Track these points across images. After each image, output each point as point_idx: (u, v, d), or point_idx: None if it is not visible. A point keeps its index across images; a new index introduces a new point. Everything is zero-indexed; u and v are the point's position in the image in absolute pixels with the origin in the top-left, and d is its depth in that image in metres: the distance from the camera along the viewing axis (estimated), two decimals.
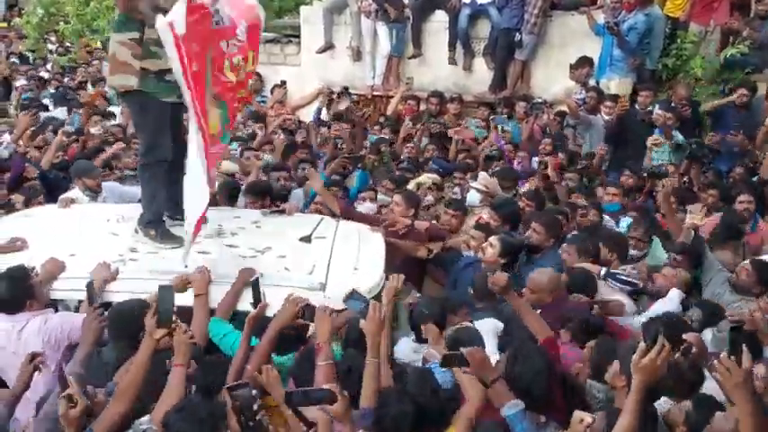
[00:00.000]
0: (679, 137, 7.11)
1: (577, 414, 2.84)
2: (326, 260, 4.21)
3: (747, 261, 4.74)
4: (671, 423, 3.10)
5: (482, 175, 6.46)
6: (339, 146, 7.83)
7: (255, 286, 3.78)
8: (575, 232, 5.44)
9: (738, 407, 2.60)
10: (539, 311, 3.80)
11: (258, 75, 10.31)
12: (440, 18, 9.34)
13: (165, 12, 3.64)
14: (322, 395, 2.81)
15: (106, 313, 3.51)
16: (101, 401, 3.03)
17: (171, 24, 3.54)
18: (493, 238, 4.67)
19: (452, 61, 9.33)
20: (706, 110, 7.66)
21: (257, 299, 3.71)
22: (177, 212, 4.41)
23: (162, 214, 4.45)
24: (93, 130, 8.22)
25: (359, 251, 4.43)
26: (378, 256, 4.42)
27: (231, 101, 4.24)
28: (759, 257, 4.87)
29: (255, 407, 2.74)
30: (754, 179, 6.57)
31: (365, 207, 5.78)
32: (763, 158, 6.80)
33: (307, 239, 4.47)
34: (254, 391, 2.81)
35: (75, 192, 5.68)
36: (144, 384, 2.98)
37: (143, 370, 2.99)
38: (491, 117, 8.58)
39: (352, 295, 3.45)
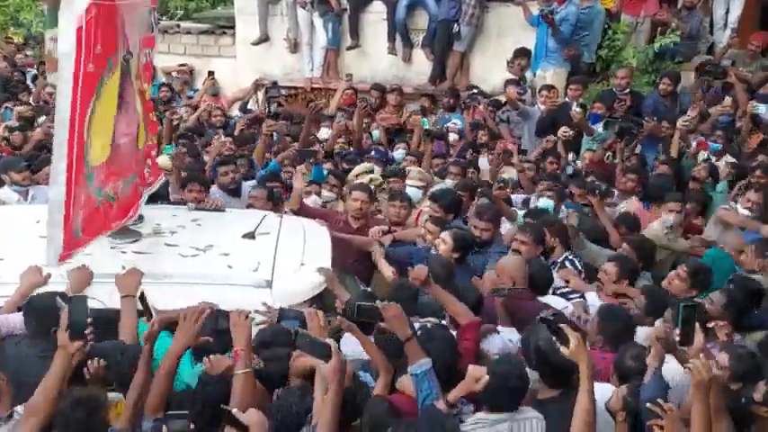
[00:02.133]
0: (600, 130, 7.25)
1: (474, 371, 2.94)
2: (272, 257, 4.11)
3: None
4: (611, 410, 3.16)
5: (414, 170, 6.43)
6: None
7: (143, 300, 3.44)
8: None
9: (695, 404, 2.67)
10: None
11: (188, 67, 10.07)
12: (377, 9, 9.28)
13: None
14: (320, 350, 2.78)
15: None
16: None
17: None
18: (445, 234, 4.65)
19: (392, 51, 9.30)
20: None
21: (148, 313, 3.37)
22: None
23: None
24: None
25: (305, 246, 4.34)
26: (324, 251, 4.35)
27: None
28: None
29: None
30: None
31: (310, 201, 5.68)
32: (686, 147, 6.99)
33: (250, 236, 4.35)
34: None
35: (3, 190, 5.48)
36: None
37: (57, 386, 2.84)
38: (435, 117, 8.49)
39: (284, 314, 3.25)
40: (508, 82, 8.07)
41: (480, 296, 3.98)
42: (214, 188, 5.91)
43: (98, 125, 3.70)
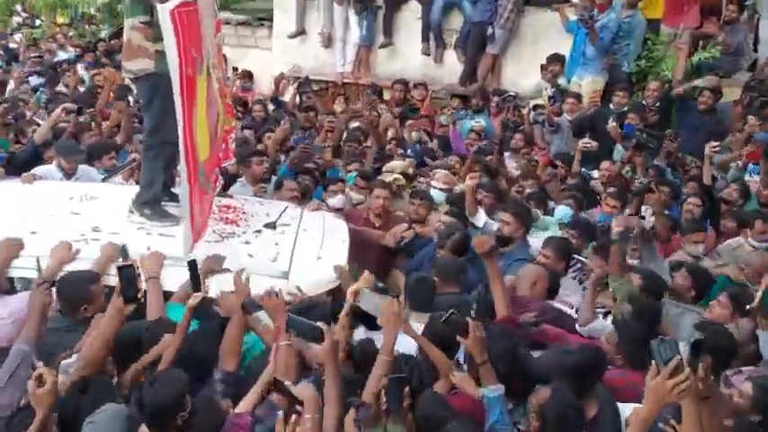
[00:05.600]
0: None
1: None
2: (290, 248, 4.21)
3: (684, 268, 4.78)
4: None
5: (441, 172, 6.47)
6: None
7: (193, 269, 3.47)
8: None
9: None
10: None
11: (225, 57, 10.19)
12: (412, 8, 9.38)
13: None
14: (312, 331, 2.86)
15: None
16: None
17: (172, 13, 3.41)
18: (444, 216, 4.69)
19: (426, 51, 9.37)
20: (677, 93, 7.70)
21: (196, 283, 3.43)
22: (165, 194, 4.47)
23: (159, 197, 4.40)
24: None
25: (323, 240, 4.43)
26: (342, 246, 4.43)
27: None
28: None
29: None
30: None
31: (336, 200, 5.74)
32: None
33: (271, 226, 4.45)
34: None
35: (49, 167, 5.59)
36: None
37: (106, 342, 3.04)
38: (450, 111, 8.51)
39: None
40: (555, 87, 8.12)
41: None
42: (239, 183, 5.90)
43: (201, 124, 3.88)
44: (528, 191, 6.28)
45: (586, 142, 6.95)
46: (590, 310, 4.11)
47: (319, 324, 2.87)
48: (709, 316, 4.22)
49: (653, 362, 2.46)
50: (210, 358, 3.21)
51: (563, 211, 5.77)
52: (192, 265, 3.49)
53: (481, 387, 3.00)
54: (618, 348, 3.63)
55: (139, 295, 3.19)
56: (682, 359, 2.40)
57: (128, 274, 3.12)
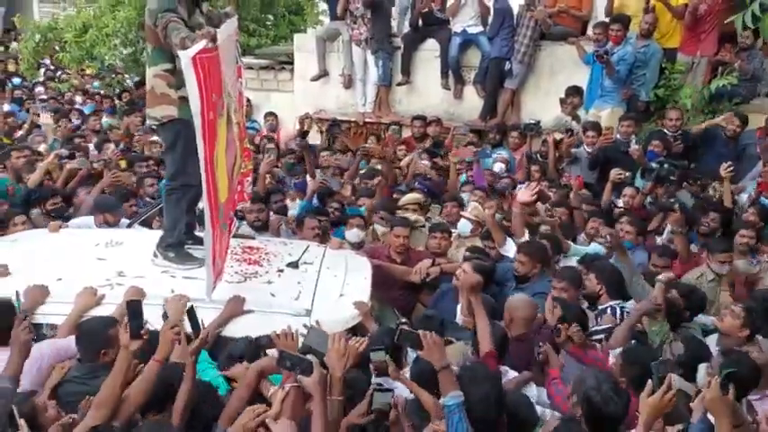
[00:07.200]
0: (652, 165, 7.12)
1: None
2: (313, 286, 4.23)
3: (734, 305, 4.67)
4: None
5: (473, 204, 6.48)
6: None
7: (192, 314, 3.42)
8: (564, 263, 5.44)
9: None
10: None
11: (248, 100, 10.41)
12: (431, 47, 9.50)
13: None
14: (303, 365, 2.86)
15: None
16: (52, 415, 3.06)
17: (194, 59, 3.48)
18: (465, 264, 4.64)
19: (445, 86, 9.49)
20: (693, 132, 7.68)
21: (195, 328, 3.37)
22: (190, 237, 4.54)
23: (183, 240, 4.48)
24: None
25: (345, 277, 4.45)
26: (364, 283, 4.44)
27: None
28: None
29: None
30: None
31: (352, 233, 5.79)
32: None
33: (294, 265, 4.48)
34: None
35: (86, 219, 5.77)
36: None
37: (120, 382, 3.02)
38: (474, 150, 8.50)
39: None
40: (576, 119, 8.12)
41: (505, 334, 3.99)
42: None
43: (220, 166, 3.95)
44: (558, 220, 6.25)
45: (619, 173, 6.91)
46: (625, 337, 4.16)
47: (309, 357, 2.86)
48: (719, 324, 4.29)
49: (649, 380, 2.64)
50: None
51: (594, 248, 5.72)
52: (191, 311, 3.46)
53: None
54: (622, 371, 3.69)
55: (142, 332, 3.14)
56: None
57: (134, 309, 3.15)
